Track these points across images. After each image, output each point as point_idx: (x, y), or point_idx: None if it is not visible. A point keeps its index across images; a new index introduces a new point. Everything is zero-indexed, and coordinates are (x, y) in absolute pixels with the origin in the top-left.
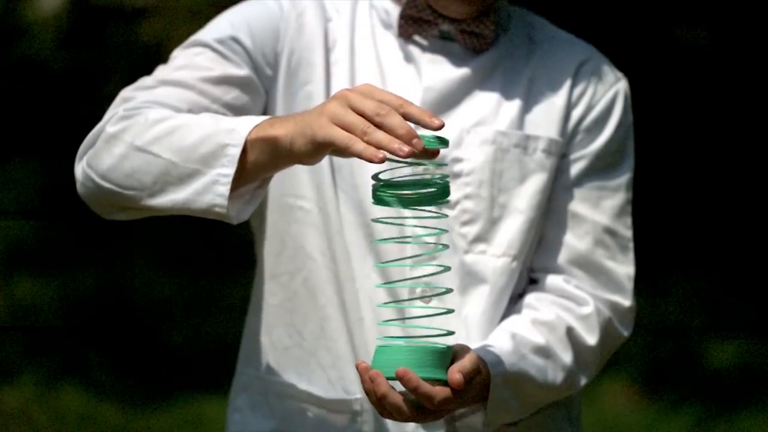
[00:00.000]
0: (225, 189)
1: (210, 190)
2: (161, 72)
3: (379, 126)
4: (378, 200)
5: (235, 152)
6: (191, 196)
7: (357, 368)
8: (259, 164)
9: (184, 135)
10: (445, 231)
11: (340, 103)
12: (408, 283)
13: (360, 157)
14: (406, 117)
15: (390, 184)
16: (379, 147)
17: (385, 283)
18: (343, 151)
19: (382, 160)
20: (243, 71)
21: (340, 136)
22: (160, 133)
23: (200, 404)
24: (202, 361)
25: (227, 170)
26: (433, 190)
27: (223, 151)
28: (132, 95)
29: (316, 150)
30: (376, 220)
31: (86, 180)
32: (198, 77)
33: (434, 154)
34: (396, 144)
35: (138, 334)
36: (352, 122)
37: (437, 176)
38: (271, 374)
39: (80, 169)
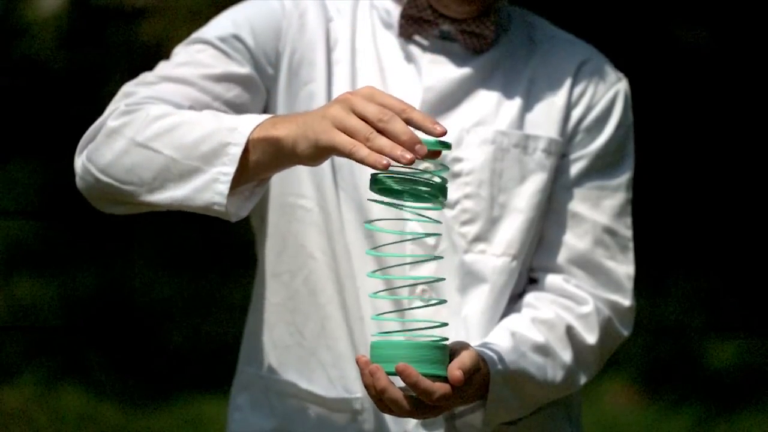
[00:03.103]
0: (225, 187)
1: (209, 188)
2: (163, 68)
3: (381, 132)
4: (376, 184)
5: (237, 151)
6: (191, 193)
7: (357, 362)
8: (260, 164)
9: (186, 132)
10: (439, 234)
11: (343, 106)
12: (405, 276)
13: (363, 163)
14: (409, 122)
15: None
16: (381, 153)
17: (375, 271)
18: (345, 156)
19: (386, 167)
20: (245, 69)
21: (343, 141)
22: (162, 129)
23: (200, 404)
24: (202, 361)
25: (228, 168)
26: (429, 189)
27: (224, 149)
28: (133, 90)
29: (318, 153)
30: (371, 224)
31: (85, 173)
32: (200, 74)
33: (436, 155)
34: (399, 151)
35: (138, 334)
36: (354, 127)
37: (437, 174)
38: (272, 373)
39: (80, 162)
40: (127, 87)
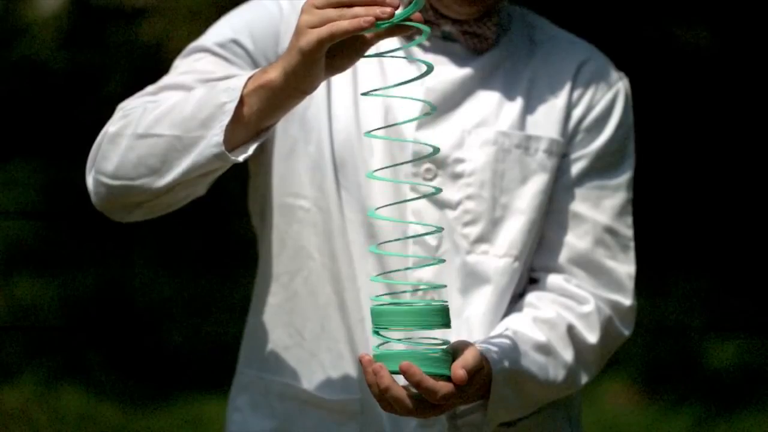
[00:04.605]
0: (219, 138)
1: (209, 145)
2: (163, 80)
3: (350, 5)
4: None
5: (231, 106)
6: (195, 158)
7: (360, 360)
8: (261, 112)
9: (183, 107)
10: (441, 229)
11: (307, 12)
12: (405, 277)
13: (349, 32)
14: None
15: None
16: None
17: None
18: (333, 41)
19: (371, 23)
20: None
21: (321, 31)
22: (160, 114)
23: (200, 404)
24: (202, 361)
25: (223, 122)
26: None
27: (221, 109)
28: (132, 102)
29: (308, 64)
30: (374, 215)
31: (97, 187)
32: (200, 80)
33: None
34: (378, 9)
35: (138, 334)
36: (324, 15)
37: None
38: (272, 374)
39: (90, 179)
40: (127, 100)
